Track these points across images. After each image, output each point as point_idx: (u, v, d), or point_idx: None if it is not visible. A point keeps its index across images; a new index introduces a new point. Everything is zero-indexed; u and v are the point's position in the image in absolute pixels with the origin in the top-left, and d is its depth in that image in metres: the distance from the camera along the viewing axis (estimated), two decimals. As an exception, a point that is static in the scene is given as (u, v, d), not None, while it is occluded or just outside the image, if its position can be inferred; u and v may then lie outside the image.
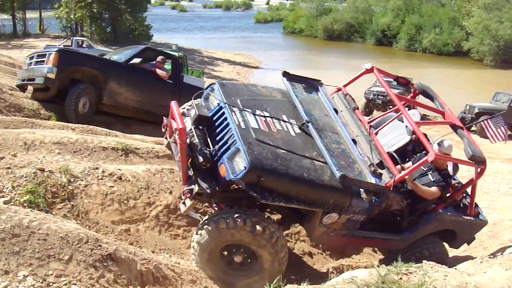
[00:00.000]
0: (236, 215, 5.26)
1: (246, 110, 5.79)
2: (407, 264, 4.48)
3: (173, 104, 5.84)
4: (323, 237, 5.96)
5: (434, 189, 6.38)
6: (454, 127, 6.82)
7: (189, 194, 5.44)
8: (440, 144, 6.47)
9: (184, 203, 5.67)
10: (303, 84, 6.92)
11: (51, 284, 3.99)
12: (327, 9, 71.23)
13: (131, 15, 44.94)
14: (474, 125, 22.61)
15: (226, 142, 5.52)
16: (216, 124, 5.83)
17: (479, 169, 6.48)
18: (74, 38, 28.50)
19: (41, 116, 9.94)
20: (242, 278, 5.53)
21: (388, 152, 6.33)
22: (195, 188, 5.33)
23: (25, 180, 5.94)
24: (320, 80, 7.12)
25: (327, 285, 4.04)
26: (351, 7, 69.38)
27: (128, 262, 4.67)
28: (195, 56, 42.03)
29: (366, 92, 23.12)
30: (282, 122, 5.89)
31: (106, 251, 4.53)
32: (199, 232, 5.40)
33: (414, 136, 7.12)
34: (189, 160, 5.49)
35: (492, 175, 14.26)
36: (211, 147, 5.61)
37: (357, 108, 6.72)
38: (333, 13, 69.38)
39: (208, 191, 5.33)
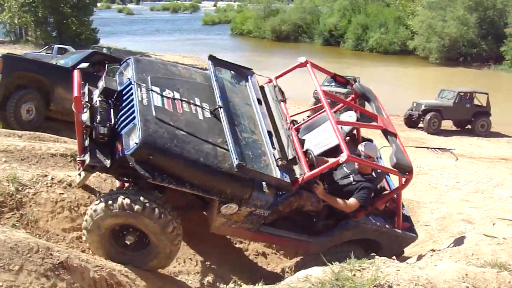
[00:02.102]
0: (124, 195, 5.08)
1: (153, 89, 5.55)
2: (360, 261, 4.55)
3: (75, 73, 5.58)
4: (223, 228, 5.76)
5: (351, 201, 6.07)
6: (385, 132, 6.51)
7: (80, 164, 5.31)
8: (365, 145, 6.39)
9: (80, 174, 5.58)
10: (232, 72, 6.71)
11: (1, 296, 3.90)
12: (275, 10, 71.95)
13: (76, 19, 44.18)
14: (421, 121, 23.29)
15: (127, 118, 5.31)
16: (123, 99, 5.60)
17: (404, 179, 6.23)
18: (56, 45, 27.52)
19: (-15, 124, 9.70)
20: (138, 260, 5.36)
21: (307, 150, 6.07)
22: (87, 159, 5.17)
23: (-29, 190, 5.79)
24: (252, 69, 6.87)
25: (282, 285, 4.06)
26: (298, 8, 70.29)
27: (80, 270, 4.57)
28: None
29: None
30: (192, 105, 5.66)
31: (58, 260, 4.42)
32: (88, 212, 5.22)
33: (348, 138, 7.03)
34: (89, 132, 5.29)
35: (439, 170, 14.68)
36: (113, 121, 5.42)
37: (284, 101, 6.47)
38: (281, 14, 70.17)
39: (101, 164, 5.17)
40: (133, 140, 5.04)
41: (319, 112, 7.60)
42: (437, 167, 14.96)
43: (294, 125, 6.21)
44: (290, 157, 5.64)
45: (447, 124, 24.01)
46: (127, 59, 6.09)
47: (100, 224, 5.14)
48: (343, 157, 5.46)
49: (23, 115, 10.00)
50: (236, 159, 5.14)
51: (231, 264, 6.73)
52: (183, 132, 5.24)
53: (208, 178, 5.19)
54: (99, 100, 5.51)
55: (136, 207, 5.04)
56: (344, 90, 20.91)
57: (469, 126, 23.83)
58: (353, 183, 6.20)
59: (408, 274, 4.37)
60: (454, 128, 24.47)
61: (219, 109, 5.69)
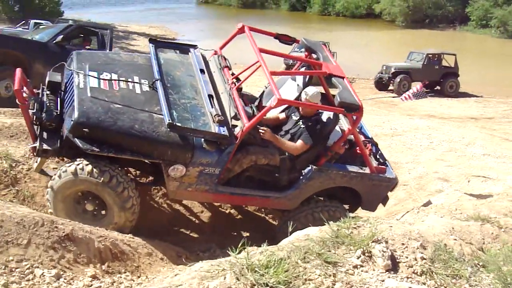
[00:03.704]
0: (87, 162, 5.42)
1: (90, 74, 5.93)
2: (355, 219, 4.77)
3: (17, 70, 5.96)
4: (180, 192, 5.99)
5: (298, 143, 6.18)
6: (331, 76, 6.45)
7: (32, 151, 5.76)
8: (306, 92, 6.28)
9: (36, 161, 6.00)
10: (177, 51, 7.15)
11: (14, 269, 3.99)
12: (240, -24, 71.18)
13: (39, -9, 43.12)
14: (391, 84, 23.66)
15: (69, 103, 5.73)
16: (67, 89, 6.04)
17: (354, 117, 6.20)
18: (32, 20, 26.58)
19: (-37, 104, 9.60)
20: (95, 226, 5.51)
21: (251, 106, 6.35)
22: (37, 145, 5.57)
23: (-35, 169, 5.84)
24: (196, 46, 7.29)
25: (285, 244, 4.24)
26: (263, -27, 69.54)
27: (85, 241, 4.70)
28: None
29: (285, 58, 23.52)
30: (129, 83, 6.03)
31: (63, 232, 4.54)
32: (53, 177, 5.55)
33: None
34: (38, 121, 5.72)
35: (413, 131, 15.00)
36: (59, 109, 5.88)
37: (227, 67, 6.69)
38: (246, -21, 69.38)
39: (52, 147, 5.60)
40: (71, 119, 5.41)
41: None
42: (410, 128, 15.29)
43: (235, 85, 6.31)
44: (232, 114, 5.94)
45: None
46: (70, 55, 6.50)
47: (66, 185, 5.43)
48: (274, 100, 5.65)
49: (2, 92, 9.94)
50: (168, 119, 5.46)
51: (226, 230, 6.96)
52: (118, 105, 5.62)
53: (146, 143, 5.51)
54: (45, 93, 6.01)
55: (103, 177, 5.41)
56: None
57: (438, 87, 24.29)
58: (302, 127, 6.28)
59: (401, 229, 4.60)
60: (424, 89, 24.84)
61: (156, 82, 6.03)
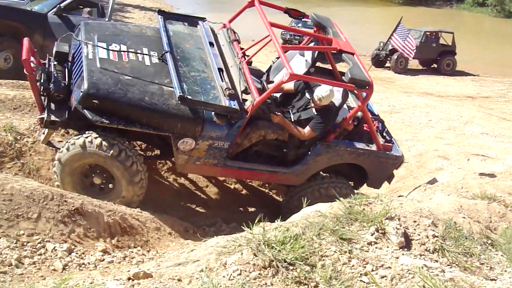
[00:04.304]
0: (96, 135, 5.37)
1: (99, 45, 5.84)
2: (365, 196, 4.77)
3: (25, 40, 5.82)
4: (188, 165, 5.98)
5: (306, 130, 6.08)
6: (341, 52, 6.39)
7: (40, 122, 5.69)
8: (317, 95, 6.00)
9: (43, 132, 5.90)
10: (185, 23, 7.00)
11: (25, 243, 3.98)
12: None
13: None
14: (388, 61, 23.58)
15: (78, 73, 5.65)
16: (75, 59, 5.95)
17: (364, 94, 6.22)
18: None
19: (-38, 76, 9.46)
20: (102, 199, 5.47)
21: (261, 81, 6.27)
22: (45, 116, 5.49)
23: (-32, 142, 5.78)
24: (205, 18, 7.18)
25: (299, 219, 4.24)
26: None
27: (95, 215, 4.69)
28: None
29: (283, 32, 23.37)
30: (139, 54, 5.96)
31: (73, 206, 4.52)
32: (61, 149, 5.48)
33: (312, 69, 6.98)
34: (46, 92, 5.65)
35: (411, 108, 15.00)
36: (67, 80, 5.80)
37: (236, 40, 6.62)
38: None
39: (60, 119, 5.51)
40: (80, 90, 5.33)
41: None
42: (408, 106, 15.29)
43: (245, 59, 6.27)
44: (242, 88, 5.88)
45: (413, 63, 24.36)
46: (78, 25, 6.40)
47: (74, 158, 5.39)
48: (286, 75, 5.59)
49: (1, 63, 9.78)
50: (179, 92, 5.42)
51: (230, 205, 6.96)
52: (128, 77, 5.56)
53: (156, 115, 5.47)
54: (53, 64, 5.88)
55: (112, 150, 5.37)
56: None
57: (435, 65, 24.23)
58: (314, 114, 6.14)
59: (411, 207, 4.62)
60: (421, 67, 24.86)
61: (166, 54, 5.96)
